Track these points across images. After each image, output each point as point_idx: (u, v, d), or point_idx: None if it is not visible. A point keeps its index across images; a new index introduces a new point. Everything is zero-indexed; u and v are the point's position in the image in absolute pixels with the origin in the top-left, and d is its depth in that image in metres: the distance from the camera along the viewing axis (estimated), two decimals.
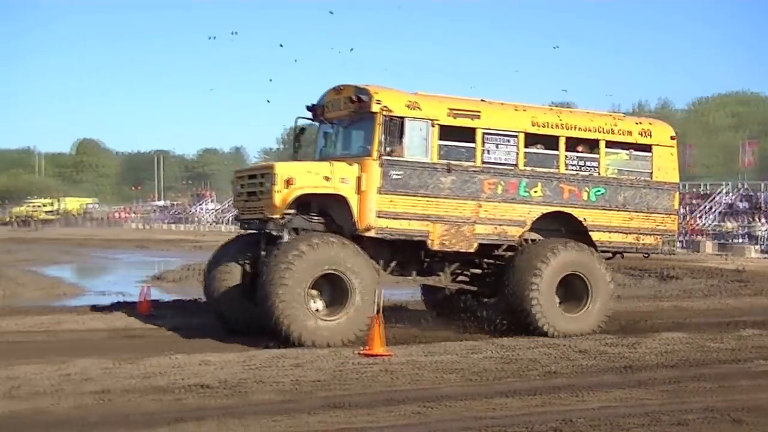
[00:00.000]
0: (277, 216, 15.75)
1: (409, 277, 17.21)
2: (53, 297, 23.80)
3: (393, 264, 16.83)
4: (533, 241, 17.44)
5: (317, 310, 15.32)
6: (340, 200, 15.96)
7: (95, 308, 19.54)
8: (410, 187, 16.28)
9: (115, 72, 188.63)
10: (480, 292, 17.98)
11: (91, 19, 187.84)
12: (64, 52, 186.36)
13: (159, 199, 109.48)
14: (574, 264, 17.07)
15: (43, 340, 15.81)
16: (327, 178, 15.94)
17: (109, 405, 10.50)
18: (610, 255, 18.26)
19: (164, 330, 17.06)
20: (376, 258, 16.38)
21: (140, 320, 17.95)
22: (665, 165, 18.22)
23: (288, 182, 15.73)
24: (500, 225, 17.02)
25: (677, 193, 18.52)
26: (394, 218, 16.21)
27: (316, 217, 16.22)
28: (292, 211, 15.94)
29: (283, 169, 15.88)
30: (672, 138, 18.41)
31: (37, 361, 12.84)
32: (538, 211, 17.26)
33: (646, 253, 18.37)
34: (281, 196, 15.68)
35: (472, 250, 16.87)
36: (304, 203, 16.06)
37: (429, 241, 16.46)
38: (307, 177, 15.92)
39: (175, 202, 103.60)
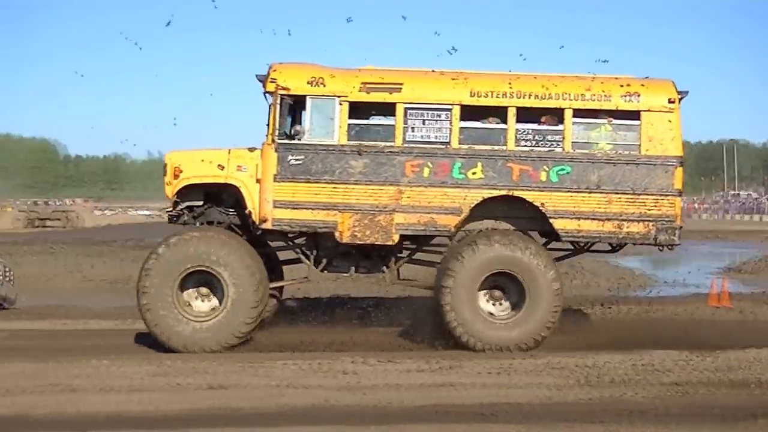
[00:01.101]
0: (173, 209, 15.14)
1: (346, 274, 15.29)
2: (623, 287, 23.84)
3: (324, 260, 15.14)
4: (480, 232, 14.71)
5: (209, 310, 14.38)
6: (235, 190, 14.85)
7: (661, 299, 20.06)
8: (312, 173, 14.61)
9: None
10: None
11: None
12: None
13: (733, 190, 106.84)
14: (502, 262, 14.26)
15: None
16: (221, 167, 14.82)
17: (686, 397, 10.68)
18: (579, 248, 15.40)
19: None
20: (309, 254, 15.10)
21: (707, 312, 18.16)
22: (660, 135, 14.61)
23: (175, 172, 14.93)
24: (427, 213, 14.64)
25: (678, 168, 14.60)
26: (293, 208, 14.63)
27: (231, 210, 15.17)
28: (199, 203, 15.15)
29: (172, 159, 15.05)
30: (670, 101, 14.64)
31: (612, 351, 13.17)
32: (477, 195, 14.60)
33: (633, 244, 14.89)
34: (170, 187, 14.93)
35: (391, 243, 14.70)
36: (216, 194, 15.15)
37: (337, 233, 14.63)
38: (197, 166, 14.92)
39: (750, 192, 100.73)
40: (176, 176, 14.99)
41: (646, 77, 15.06)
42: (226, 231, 14.81)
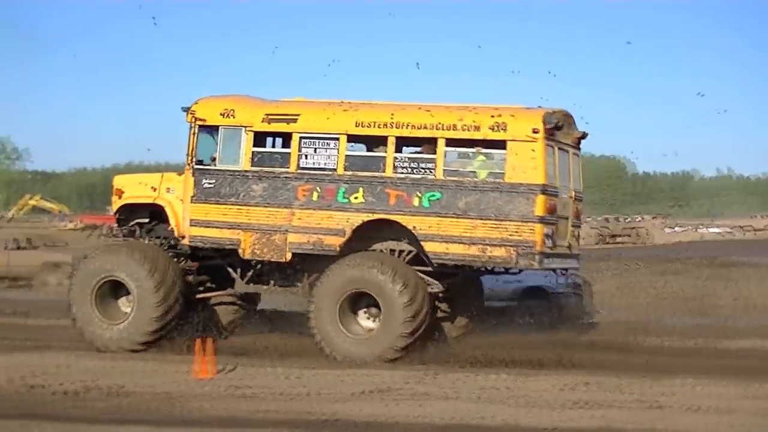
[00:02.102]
0: (118, 226, 18.31)
1: (265, 287, 17.67)
2: None
3: (249, 274, 17.29)
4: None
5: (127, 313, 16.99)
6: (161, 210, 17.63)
7: None
8: (221, 196, 16.94)
9: None
10: None
11: None
12: None
13: None
14: (354, 282, 16.07)
15: None
16: (154, 189, 17.69)
17: None
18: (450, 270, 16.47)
19: None
20: (234, 268, 17.41)
21: None
22: (523, 163, 15.77)
23: (118, 193, 18.04)
24: (315, 234, 16.58)
25: (540, 196, 15.66)
26: (206, 227, 17.02)
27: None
28: (146, 220, 17.92)
29: (117, 181, 18.38)
30: (534, 131, 15.81)
31: None
32: (358, 218, 16.38)
33: (495, 267, 16.46)
34: (114, 206, 18.20)
35: (284, 260, 16.70)
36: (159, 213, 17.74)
37: (240, 250, 16.83)
38: (135, 188, 17.95)
39: None
40: (119, 197, 18.03)
41: (538, 106, 16.32)
42: (141, 244, 17.52)
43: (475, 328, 17.28)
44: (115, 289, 17.09)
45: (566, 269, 17.96)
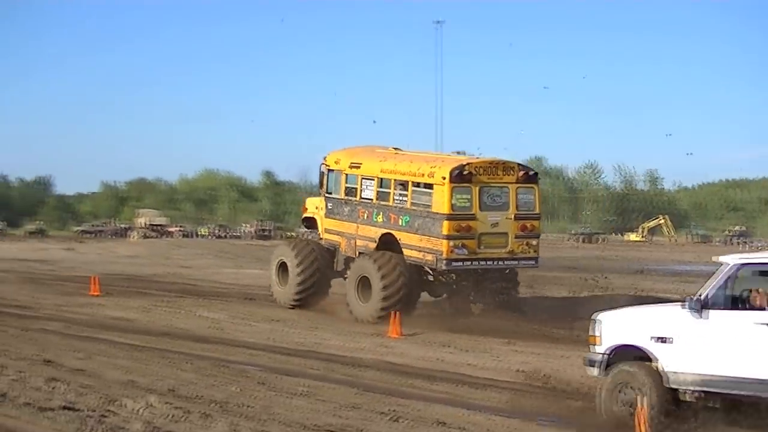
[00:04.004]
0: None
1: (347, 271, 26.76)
2: None
3: (342, 262, 27.39)
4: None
5: None
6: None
7: None
8: (334, 213, 27.36)
9: None
10: None
11: None
12: None
13: None
14: (362, 269, 25.27)
15: None
16: (316, 207, 28.64)
17: None
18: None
19: None
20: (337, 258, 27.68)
21: None
22: (438, 199, 24.12)
23: (303, 210, 30.34)
24: (365, 240, 26.12)
25: (445, 221, 23.85)
26: (327, 233, 27.64)
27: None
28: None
29: (306, 201, 30.25)
30: (443, 177, 24.01)
31: None
32: (379, 232, 25.65)
33: (428, 267, 24.96)
34: (302, 217, 30.67)
35: (355, 256, 26.32)
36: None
37: (340, 248, 27.15)
38: (309, 206, 29.51)
39: None
40: (303, 211, 29.71)
41: (477, 156, 25.96)
42: (298, 240, 30.25)
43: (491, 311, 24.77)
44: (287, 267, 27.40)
45: (506, 268, 25.15)
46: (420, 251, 24.40)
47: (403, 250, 24.73)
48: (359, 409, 13.74)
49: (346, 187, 26.89)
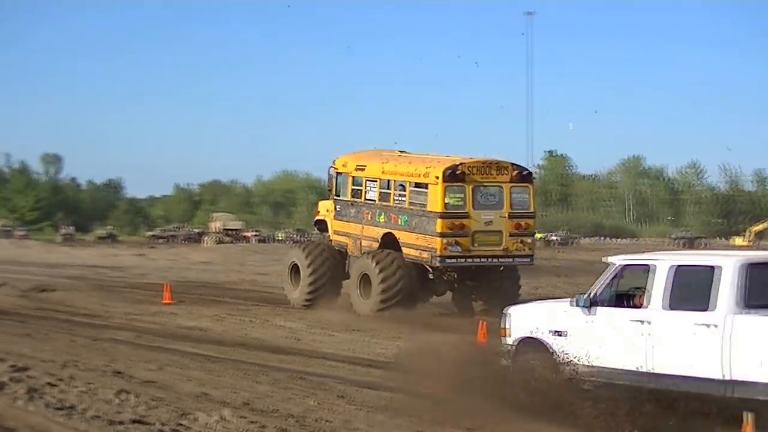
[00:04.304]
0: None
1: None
2: None
3: (348, 262, 30.08)
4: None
5: None
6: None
7: None
8: (342, 215, 29.84)
9: None
10: None
11: None
12: None
13: None
14: (363, 268, 27.81)
15: None
16: (327, 210, 30.96)
17: None
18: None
19: None
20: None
21: None
22: (433, 198, 26.46)
23: (316, 212, 32.68)
24: (368, 240, 28.49)
25: (439, 219, 26.25)
26: (336, 234, 30.07)
27: None
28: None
29: (319, 204, 32.76)
30: (436, 177, 26.40)
31: None
32: (382, 232, 27.97)
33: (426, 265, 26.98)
34: (314, 219, 33.25)
35: (360, 255, 28.41)
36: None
37: (348, 249, 29.50)
38: (321, 208, 32.25)
39: None
40: (316, 214, 31.98)
41: (470, 157, 27.44)
42: (309, 242, 34.20)
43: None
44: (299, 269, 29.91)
45: (501, 265, 27.06)
46: (417, 249, 26.79)
47: (402, 248, 27.24)
48: (443, 424, 13.67)
49: (353, 189, 29.37)
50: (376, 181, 28.60)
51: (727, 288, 12.94)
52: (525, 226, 26.95)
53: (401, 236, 27.36)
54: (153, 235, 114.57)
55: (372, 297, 27.07)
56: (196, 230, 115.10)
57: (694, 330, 13.02)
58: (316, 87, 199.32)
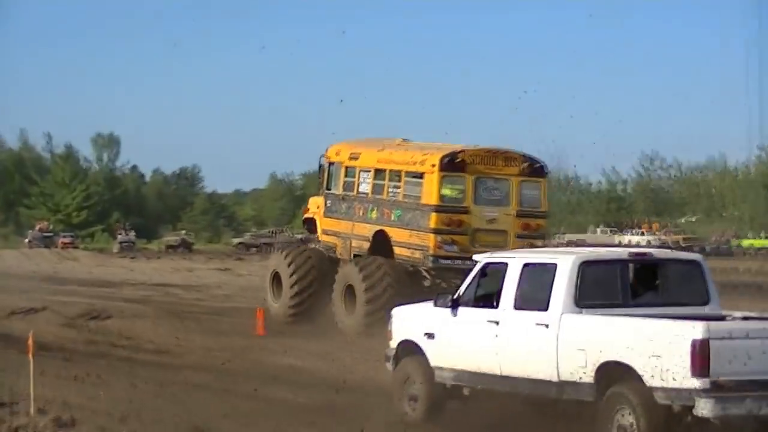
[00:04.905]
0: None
1: None
2: None
3: None
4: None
5: None
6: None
7: None
8: (332, 212, 33.20)
9: None
10: None
11: None
12: None
13: None
14: (347, 277, 31.02)
15: None
16: (317, 207, 34.73)
17: None
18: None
19: None
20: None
21: None
22: (429, 189, 29.27)
23: (305, 211, 36.83)
24: (359, 240, 31.63)
25: (434, 213, 29.13)
26: (325, 234, 33.84)
27: None
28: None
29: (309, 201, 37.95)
30: (432, 165, 29.31)
31: None
32: (374, 229, 30.97)
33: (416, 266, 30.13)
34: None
35: (349, 258, 31.82)
36: None
37: (336, 251, 32.84)
38: (311, 205, 36.33)
39: None
40: (306, 211, 35.94)
41: (475, 145, 30.43)
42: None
43: None
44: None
45: None
46: (409, 248, 29.93)
47: (394, 248, 30.44)
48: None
49: (345, 182, 32.72)
50: (370, 172, 31.93)
51: (561, 287, 15.84)
52: (535, 226, 29.84)
53: (393, 234, 30.49)
54: (241, 243, 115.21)
55: (357, 312, 30.01)
56: (299, 235, 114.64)
57: (535, 331, 15.93)
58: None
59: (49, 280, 56.16)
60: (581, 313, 15.64)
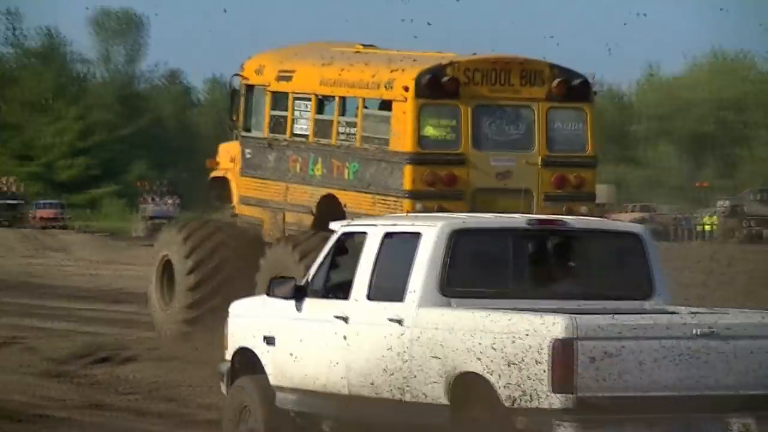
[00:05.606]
0: None
1: None
2: None
3: None
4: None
5: None
6: None
7: None
8: (253, 168, 24.43)
9: None
10: None
11: None
12: None
13: None
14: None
15: None
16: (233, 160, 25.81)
17: None
18: None
19: None
20: None
21: None
22: (400, 127, 20.70)
23: None
24: (297, 212, 22.96)
25: (409, 166, 20.54)
26: (244, 204, 24.80)
27: None
28: None
29: None
30: (405, 88, 20.44)
31: None
32: (318, 194, 22.34)
33: None
34: None
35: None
36: None
37: (263, 231, 23.71)
38: None
39: None
40: (214, 166, 26.45)
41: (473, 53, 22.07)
42: None
43: None
44: None
45: None
46: None
47: None
48: None
49: (272, 117, 23.56)
50: (309, 101, 22.87)
51: (421, 267, 12.46)
52: (576, 181, 21.18)
53: (348, 200, 21.87)
54: None
55: None
56: None
57: (387, 330, 12.59)
58: None
59: (16, 290, 41.95)
60: (450, 305, 12.36)
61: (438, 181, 20.59)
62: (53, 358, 25.49)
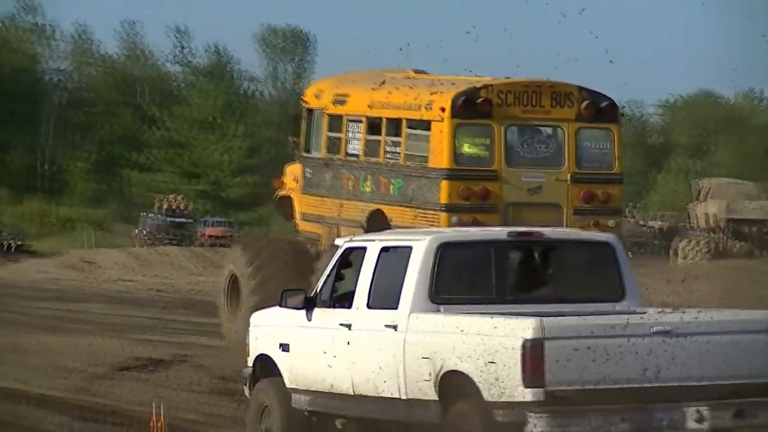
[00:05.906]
0: None
1: None
2: None
3: None
4: None
5: None
6: None
7: None
8: (313, 186, 25.52)
9: None
10: None
11: None
12: None
13: None
14: None
15: None
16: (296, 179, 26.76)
17: None
18: None
19: None
20: None
21: None
22: (438, 145, 22.17)
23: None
24: (350, 226, 23.64)
25: (445, 181, 22.01)
26: (305, 220, 26.11)
27: None
28: None
29: None
30: (442, 109, 21.95)
31: None
32: (367, 209, 23.64)
33: None
34: None
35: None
36: None
37: (320, 245, 24.55)
38: None
39: None
40: (281, 187, 27.42)
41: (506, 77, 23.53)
42: None
43: None
44: None
45: None
46: None
47: None
48: None
49: (329, 138, 25.03)
50: (360, 122, 24.35)
51: (413, 277, 13.57)
52: (603, 197, 22.60)
53: (393, 215, 23.34)
54: None
55: None
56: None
57: (384, 335, 13.71)
58: None
59: (185, 309, 42.21)
60: (438, 311, 13.43)
61: (472, 196, 22.03)
62: (222, 376, 25.73)
